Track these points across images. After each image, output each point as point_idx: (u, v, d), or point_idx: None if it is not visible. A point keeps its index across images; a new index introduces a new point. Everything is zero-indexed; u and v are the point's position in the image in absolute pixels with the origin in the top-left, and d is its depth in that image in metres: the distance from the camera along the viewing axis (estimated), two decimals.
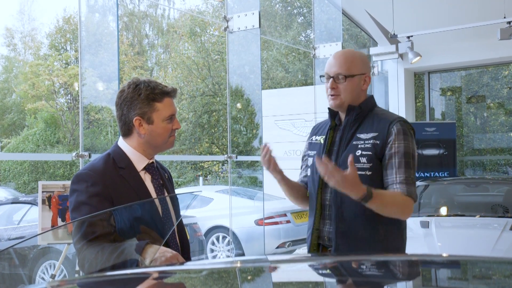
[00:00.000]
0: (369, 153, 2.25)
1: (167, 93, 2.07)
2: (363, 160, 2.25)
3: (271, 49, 19.24)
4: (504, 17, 6.67)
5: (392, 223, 2.27)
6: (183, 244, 2.16)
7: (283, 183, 2.47)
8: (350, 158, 2.07)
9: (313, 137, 2.50)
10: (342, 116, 2.39)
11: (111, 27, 21.57)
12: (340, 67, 2.31)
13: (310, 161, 2.45)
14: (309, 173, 2.46)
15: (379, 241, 2.25)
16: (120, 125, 2.08)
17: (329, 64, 2.36)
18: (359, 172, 2.18)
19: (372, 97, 2.42)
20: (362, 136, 2.29)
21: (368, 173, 2.24)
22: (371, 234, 2.25)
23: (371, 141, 2.26)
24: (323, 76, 2.38)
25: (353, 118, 2.32)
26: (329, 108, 2.41)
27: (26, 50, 24.51)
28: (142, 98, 2.02)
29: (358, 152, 2.26)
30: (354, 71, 2.31)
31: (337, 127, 2.40)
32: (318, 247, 2.41)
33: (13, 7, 24.40)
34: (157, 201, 2.05)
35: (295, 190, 2.52)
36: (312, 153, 2.45)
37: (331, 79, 2.33)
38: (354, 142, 2.29)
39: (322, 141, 2.41)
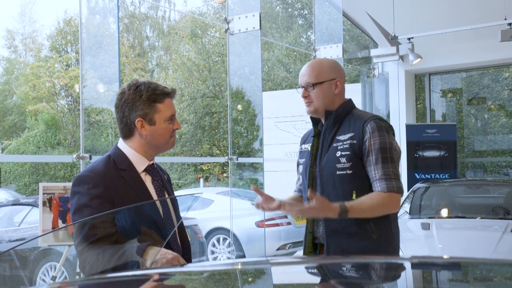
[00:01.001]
0: (347, 153, 2.35)
1: (168, 94, 2.08)
2: (343, 160, 2.35)
3: (272, 50, 19.25)
4: (505, 19, 6.67)
5: (380, 218, 2.35)
6: (184, 245, 2.16)
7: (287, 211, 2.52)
8: (308, 193, 2.21)
9: (303, 146, 2.64)
10: (324, 121, 2.51)
11: (112, 29, 21.59)
12: (309, 76, 2.46)
13: (301, 168, 2.59)
14: (300, 179, 2.61)
15: (369, 236, 2.33)
16: (120, 127, 2.08)
17: (300, 75, 2.52)
18: (341, 172, 2.34)
19: (349, 100, 2.52)
20: (341, 137, 2.40)
21: (349, 171, 2.34)
22: (359, 229, 2.32)
23: (349, 141, 2.36)
24: (299, 86, 2.52)
25: (331, 122, 2.44)
26: (311, 117, 2.56)
27: (27, 52, 24.54)
28: (144, 99, 2.02)
29: (338, 153, 2.37)
30: (322, 78, 2.44)
31: (320, 133, 2.51)
32: (313, 248, 2.51)
33: (14, 9, 24.43)
34: (158, 203, 2.05)
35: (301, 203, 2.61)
36: (301, 161, 2.59)
37: (303, 88, 2.48)
38: (334, 145, 2.40)
39: (309, 148, 2.54)
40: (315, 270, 1.38)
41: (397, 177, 2.32)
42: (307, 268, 1.41)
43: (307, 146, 2.56)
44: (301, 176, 2.58)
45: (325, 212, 2.22)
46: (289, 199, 2.63)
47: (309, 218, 2.49)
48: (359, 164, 2.34)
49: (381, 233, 2.35)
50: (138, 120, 2.03)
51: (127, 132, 2.07)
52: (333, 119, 2.44)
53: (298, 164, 2.64)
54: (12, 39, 24.06)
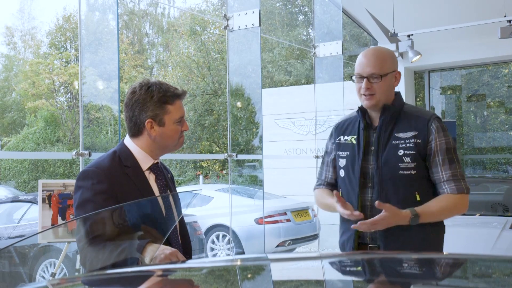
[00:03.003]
0: (412, 152, 2.24)
1: (178, 96, 2.08)
2: (407, 159, 2.24)
3: (271, 51, 19.22)
4: (505, 16, 6.66)
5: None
6: (185, 243, 2.16)
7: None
8: (376, 203, 2.10)
9: (341, 137, 2.44)
10: (372, 114, 2.36)
11: (111, 26, 21.56)
12: (374, 66, 2.28)
13: (342, 162, 2.40)
14: (342, 174, 2.41)
15: (424, 239, 2.27)
16: (129, 126, 2.08)
17: (360, 64, 2.31)
18: (404, 172, 2.22)
19: (399, 93, 2.40)
20: (402, 135, 2.27)
21: (413, 172, 2.24)
22: (417, 231, 2.25)
23: (413, 140, 2.25)
24: (354, 76, 2.34)
25: (388, 118, 2.30)
26: (359, 108, 2.38)
27: (26, 49, 24.51)
28: (155, 100, 2.02)
29: (401, 152, 2.25)
30: (387, 70, 2.29)
31: (368, 126, 2.37)
32: (359, 248, 2.38)
33: (13, 5, 24.39)
34: (160, 201, 2.05)
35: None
36: (343, 153, 2.40)
37: (365, 79, 2.29)
38: (393, 142, 2.27)
39: (353, 141, 2.37)
40: (315, 267, 1.38)
41: (463, 177, 2.26)
42: (306, 264, 1.41)
43: (350, 139, 2.39)
44: (342, 170, 2.40)
45: (397, 221, 2.14)
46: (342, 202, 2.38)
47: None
48: (423, 165, 2.25)
49: (435, 235, 2.35)
50: (148, 121, 2.03)
51: (136, 131, 2.07)
52: (391, 114, 2.30)
53: (336, 156, 2.44)
54: (11, 36, 24.03)
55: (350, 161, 2.36)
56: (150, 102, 2.02)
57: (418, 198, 2.24)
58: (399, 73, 2.35)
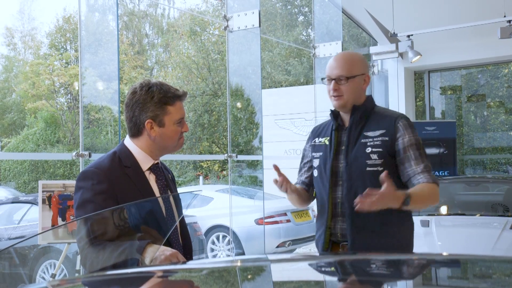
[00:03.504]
0: (379, 149, 2.34)
1: (179, 97, 2.08)
2: (374, 156, 2.34)
3: (271, 51, 19.22)
4: (504, 16, 6.66)
5: (403, 215, 2.37)
6: (186, 244, 2.16)
7: (295, 194, 2.54)
8: (384, 174, 2.12)
9: (316, 139, 2.57)
10: (344, 116, 2.48)
11: (111, 27, 21.56)
12: (342, 69, 2.40)
13: (316, 162, 2.52)
14: (315, 174, 2.52)
15: (392, 234, 2.34)
16: (129, 126, 2.08)
17: (330, 67, 2.44)
18: (372, 169, 2.32)
19: (371, 96, 2.51)
20: (370, 134, 2.38)
21: (380, 168, 2.31)
22: (385, 227, 2.32)
23: (380, 138, 2.35)
24: (325, 78, 2.46)
25: (358, 117, 2.41)
26: (331, 110, 2.50)
27: (26, 50, 24.51)
28: (155, 101, 2.03)
29: (368, 150, 2.36)
30: (355, 72, 2.40)
31: (340, 127, 2.48)
32: (330, 244, 2.48)
33: (13, 6, 24.39)
34: (161, 201, 2.05)
35: (301, 195, 2.60)
36: (317, 154, 2.52)
37: (333, 81, 2.41)
38: (362, 140, 2.38)
39: (327, 142, 2.49)
40: (314, 267, 1.38)
41: (431, 171, 2.36)
42: (306, 265, 1.41)
43: (323, 140, 2.52)
44: (315, 170, 2.52)
45: (393, 200, 2.15)
46: (299, 188, 2.62)
47: (328, 214, 2.42)
48: (390, 161, 2.34)
49: (404, 232, 2.39)
50: (148, 122, 2.04)
51: (136, 131, 2.08)
52: (360, 114, 2.42)
53: (312, 158, 2.56)
54: (11, 36, 24.03)
55: (323, 161, 2.48)
56: (151, 103, 2.03)
57: None
58: (368, 77, 2.46)
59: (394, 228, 2.34)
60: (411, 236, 2.44)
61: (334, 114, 2.49)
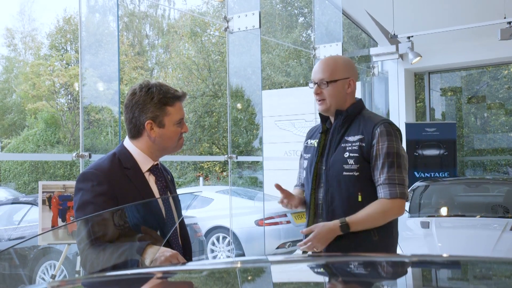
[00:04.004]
0: (356, 155, 2.35)
1: (178, 97, 2.08)
2: (351, 161, 2.36)
3: (271, 53, 19.23)
4: (505, 17, 6.67)
5: None
6: (185, 245, 2.17)
7: (300, 206, 2.61)
8: (302, 231, 2.34)
9: (308, 141, 2.63)
10: (332, 119, 2.50)
11: (112, 27, 21.57)
12: (323, 73, 2.43)
13: (305, 163, 2.57)
14: (304, 174, 2.58)
15: (370, 238, 2.34)
16: (129, 127, 2.08)
17: (313, 71, 2.49)
18: (348, 173, 2.35)
19: (360, 100, 2.51)
20: (350, 138, 2.40)
21: (356, 173, 2.34)
22: (361, 232, 2.32)
23: (358, 143, 2.36)
24: (311, 82, 2.49)
25: (340, 121, 2.43)
26: (320, 113, 2.53)
27: (26, 50, 24.51)
28: (155, 102, 2.03)
29: (346, 154, 2.37)
30: (336, 76, 2.42)
31: (328, 130, 2.51)
32: None
33: (13, 7, 24.40)
34: (160, 202, 2.05)
35: (303, 201, 2.63)
36: (307, 156, 2.57)
37: (316, 85, 2.45)
38: (342, 145, 2.40)
39: (315, 145, 2.53)
40: (315, 269, 1.38)
41: (402, 182, 2.32)
42: (306, 266, 1.41)
43: (314, 142, 2.56)
44: (304, 171, 2.57)
45: (328, 234, 2.28)
46: (299, 194, 2.66)
47: (310, 214, 2.50)
48: (367, 167, 2.35)
49: (383, 235, 2.37)
50: (148, 123, 2.04)
51: (136, 132, 2.08)
52: (343, 119, 2.43)
53: (302, 158, 2.63)
54: (12, 37, 24.04)
55: (309, 163, 2.52)
56: (150, 104, 2.03)
57: (360, 199, 2.34)
58: (353, 81, 2.46)
59: (372, 234, 2.33)
60: (393, 241, 2.43)
61: (323, 117, 2.52)
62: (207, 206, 8.31)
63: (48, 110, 20.49)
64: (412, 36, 7.66)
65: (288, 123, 10.61)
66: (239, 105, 18.57)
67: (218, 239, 8.03)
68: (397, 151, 2.33)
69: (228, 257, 7.84)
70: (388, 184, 2.29)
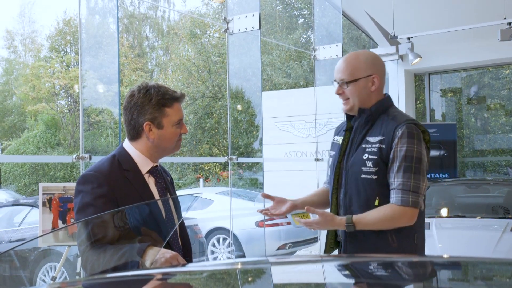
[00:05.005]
0: (374, 157, 2.24)
1: (177, 99, 2.08)
2: (369, 164, 2.24)
3: (271, 54, 19.23)
4: (504, 18, 6.67)
5: (401, 227, 2.24)
6: (185, 247, 2.17)
7: (300, 209, 2.50)
8: (305, 208, 2.23)
9: (335, 137, 2.52)
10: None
11: (111, 29, 21.60)
12: (343, 72, 2.32)
13: (330, 161, 2.48)
14: (328, 172, 2.49)
15: (388, 245, 2.23)
16: (128, 129, 2.09)
17: (335, 70, 2.37)
18: (366, 176, 2.24)
19: (387, 98, 2.38)
20: (371, 139, 2.28)
21: (374, 177, 2.23)
22: (379, 238, 2.23)
23: (377, 145, 2.25)
24: (334, 81, 2.40)
25: (363, 121, 2.32)
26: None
27: (26, 52, 24.54)
28: (153, 104, 2.03)
29: (365, 156, 2.26)
30: (357, 75, 2.30)
31: (352, 128, 2.40)
32: (335, 244, 2.44)
33: (13, 9, 24.44)
34: (160, 203, 2.05)
35: (316, 203, 2.51)
36: (332, 153, 2.48)
37: (337, 84, 2.35)
38: (362, 145, 2.29)
39: (340, 142, 2.43)
40: (315, 270, 1.38)
41: (416, 189, 2.18)
42: (307, 267, 1.40)
43: (339, 139, 2.44)
44: (329, 169, 2.47)
45: (332, 225, 2.21)
46: (308, 196, 2.58)
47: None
48: (385, 170, 2.23)
49: (402, 243, 2.24)
50: (146, 124, 2.04)
51: (135, 134, 2.08)
52: (366, 117, 2.31)
53: (329, 155, 2.53)
54: (12, 39, 24.06)
55: (333, 161, 2.43)
56: (149, 105, 2.03)
57: (376, 203, 2.23)
58: (377, 77, 2.32)
59: (391, 241, 2.23)
60: (415, 250, 2.29)
61: (348, 114, 2.40)
62: (207, 207, 8.31)
63: (48, 112, 20.50)
64: (412, 37, 7.65)
65: (288, 124, 10.60)
66: (239, 107, 18.58)
67: (218, 241, 8.02)
68: (416, 155, 2.19)
69: (229, 258, 7.84)
70: (402, 190, 2.18)
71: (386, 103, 2.36)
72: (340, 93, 2.34)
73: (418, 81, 10.37)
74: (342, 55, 7.54)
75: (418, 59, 7.85)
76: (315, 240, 8.43)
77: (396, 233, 2.23)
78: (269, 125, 10.75)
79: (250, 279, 1.30)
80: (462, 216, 5.42)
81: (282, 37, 19.71)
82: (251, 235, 7.85)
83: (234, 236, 7.77)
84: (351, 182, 2.29)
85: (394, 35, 7.36)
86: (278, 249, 7.87)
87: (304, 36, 20.47)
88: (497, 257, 1.75)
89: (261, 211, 2.48)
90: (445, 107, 10.80)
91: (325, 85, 8.80)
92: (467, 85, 10.63)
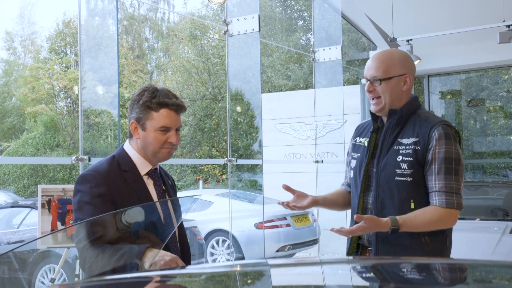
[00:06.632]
0: (410, 159, 2.19)
1: (166, 105, 2.05)
2: (404, 166, 2.20)
3: (273, 53, 19.25)
4: (503, 21, 6.67)
5: (435, 230, 2.23)
6: (183, 248, 2.16)
7: (322, 205, 2.49)
8: (355, 217, 2.08)
9: (357, 138, 2.46)
10: (384, 118, 2.34)
11: (111, 31, 21.61)
12: (377, 69, 2.27)
13: (353, 163, 2.41)
14: (351, 174, 2.42)
15: (421, 248, 2.20)
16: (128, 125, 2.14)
17: (367, 67, 2.32)
18: (400, 178, 2.19)
19: (416, 98, 2.35)
20: (404, 141, 2.24)
21: (409, 179, 2.19)
22: (412, 240, 2.19)
23: (412, 147, 2.21)
24: (363, 78, 2.37)
25: (394, 122, 2.28)
26: (370, 111, 2.38)
27: (26, 54, 24.54)
28: (140, 104, 2.06)
29: (399, 158, 2.21)
30: (391, 73, 2.26)
31: (379, 129, 2.35)
32: (357, 247, 2.39)
33: (13, 11, 24.45)
34: (158, 205, 2.05)
35: (336, 203, 2.52)
36: (356, 155, 2.41)
37: (368, 81, 2.29)
38: (395, 147, 2.24)
39: (366, 144, 2.37)
40: (315, 272, 1.38)
41: (458, 191, 2.16)
42: (306, 270, 1.40)
43: (364, 141, 2.39)
44: (352, 171, 2.41)
45: (376, 228, 2.11)
46: (330, 194, 2.54)
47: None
48: (420, 172, 2.19)
49: (435, 245, 2.22)
50: (132, 122, 2.08)
51: (130, 131, 2.12)
52: (397, 118, 2.26)
53: (350, 157, 2.46)
54: (11, 41, 24.06)
55: (359, 163, 2.36)
56: (137, 105, 2.06)
57: (412, 206, 2.19)
58: (410, 77, 2.28)
59: (424, 244, 2.19)
60: (446, 252, 2.27)
61: (374, 114, 2.35)
62: (206, 209, 8.31)
63: (48, 114, 20.50)
64: (411, 39, 7.66)
65: (288, 126, 10.61)
66: (238, 108, 18.58)
67: (217, 242, 8.02)
68: (456, 156, 2.17)
69: (228, 260, 7.83)
70: (445, 192, 2.14)
71: (415, 104, 2.32)
72: (371, 90, 2.28)
73: (418, 83, 10.38)
74: (342, 57, 7.55)
75: (418, 61, 7.86)
76: (314, 242, 8.43)
77: (430, 235, 2.20)
78: (268, 127, 10.76)
79: (249, 281, 1.30)
80: (461, 218, 5.41)
81: (281, 39, 19.73)
82: (250, 237, 7.85)
83: (234, 238, 7.76)
84: (384, 184, 2.24)
85: (393, 37, 7.37)
86: (277, 251, 7.87)
87: (304, 38, 20.49)
88: (496, 260, 1.75)
89: (281, 203, 2.43)
90: (445, 109, 10.80)
91: (325, 87, 8.81)
92: (466, 87, 10.64)
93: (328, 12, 9.13)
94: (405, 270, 1.34)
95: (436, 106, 10.63)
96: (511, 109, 10.44)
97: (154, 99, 2.05)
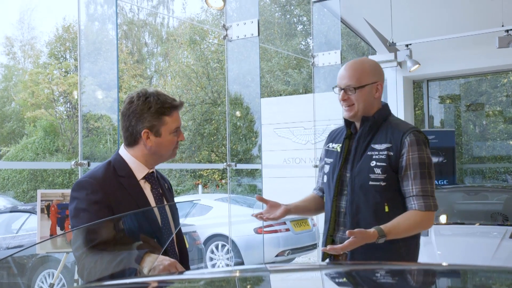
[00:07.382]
0: (383, 164, 2.27)
1: (176, 107, 2.08)
2: (378, 171, 2.27)
3: (272, 58, 19.28)
4: (502, 26, 6.69)
5: None
6: (182, 253, 2.16)
7: (294, 213, 2.53)
8: (347, 233, 2.11)
9: (330, 144, 2.52)
10: (358, 125, 2.41)
11: (111, 36, 21.64)
12: (350, 78, 2.33)
13: (327, 168, 2.47)
14: (325, 179, 2.48)
15: (395, 250, 2.26)
16: (125, 135, 2.08)
17: (340, 76, 2.38)
18: (374, 183, 2.26)
19: (386, 105, 2.43)
20: (377, 146, 2.31)
21: (383, 183, 2.26)
22: (388, 243, 2.23)
23: (385, 152, 2.28)
24: (336, 87, 2.41)
25: (367, 128, 2.35)
26: (344, 117, 2.43)
27: (25, 59, 24.57)
28: (152, 112, 2.03)
29: (373, 163, 2.29)
30: (364, 81, 2.33)
31: (352, 135, 2.42)
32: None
33: (13, 16, 24.50)
34: (156, 210, 2.05)
35: (308, 209, 2.59)
36: (329, 160, 2.47)
37: (342, 90, 2.36)
38: (368, 153, 2.32)
39: (338, 149, 2.43)
40: (314, 277, 1.38)
41: (433, 193, 2.27)
42: (305, 275, 1.40)
43: (336, 146, 2.45)
44: (325, 176, 2.46)
45: (365, 240, 2.15)
46: (301, 201, 2.59)
47: (331, 222, 2.40)
48: (394, 177, 2.27)
49: (409, 247, 2.31)
50: (144, 132, 2.04)
51: (132, 141, 2.08)
52: (370, 125, 2.34)
53: (323, 162, 2.52)
54: (11, 45, 24.09)
55: (332, 168, 2.43)
56: (148, 113, 2.02)
57: (386, 209, 2.27)
58: (381, 85, 2.37)
59: (397, 244, 2.25)
60: (415, 251, 2.38)
61: (348, 121, 2.42)
62: (206, 214, 8.30)
63: (47, 118, 20.50)
64: (411, 44, 7.68)
65: (287, 131, 10.60)
66: (238, 113, 18.60)
67: (217, 247, 8.01)
68: (428, 161, 2.27)
69: (227, 265, 7.82)
70: (423, 196, 2.23)
71: (386, 111, 2.41)
72: (345, 99, 2.35)
73: (417, 88, 10.39)
74: (341, 62, 7.55)
75: (417, 66, 7.88)
76: (313, 247, 8.42)
77: (404, 239, 2.26)
78: (268, 132, 10.76)
79: (248, 286, 1.30)
80: (461, 223, 5.42)
81: (281, 44, 19.76)
82: (249, 241, 7.84)
83: (233, 242, 7.75)
84: (358, 189, 2.30)
85: (392, 42, 7.39)
86: (276, 255, 7.85)
87: (303, 43, 20.53)
88: (496, 265, 1.75)
89: (255, 216, 2.48)
90: (444, 114, 10.81)
91: (324, 92, 8.82)
92: (465, 91, 10.65)
93: (327, 17, 9.15)
94: (403, 275, 1.34)
95: (435, 110, 10.64)
96: (510, 113, 10.45)
97: (166, 104, 2.05)
